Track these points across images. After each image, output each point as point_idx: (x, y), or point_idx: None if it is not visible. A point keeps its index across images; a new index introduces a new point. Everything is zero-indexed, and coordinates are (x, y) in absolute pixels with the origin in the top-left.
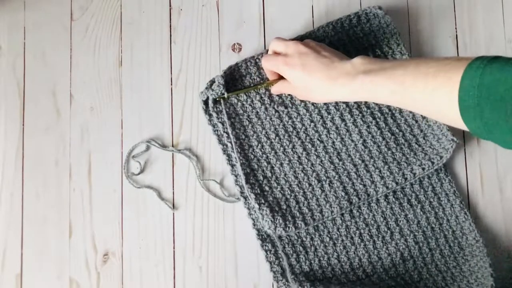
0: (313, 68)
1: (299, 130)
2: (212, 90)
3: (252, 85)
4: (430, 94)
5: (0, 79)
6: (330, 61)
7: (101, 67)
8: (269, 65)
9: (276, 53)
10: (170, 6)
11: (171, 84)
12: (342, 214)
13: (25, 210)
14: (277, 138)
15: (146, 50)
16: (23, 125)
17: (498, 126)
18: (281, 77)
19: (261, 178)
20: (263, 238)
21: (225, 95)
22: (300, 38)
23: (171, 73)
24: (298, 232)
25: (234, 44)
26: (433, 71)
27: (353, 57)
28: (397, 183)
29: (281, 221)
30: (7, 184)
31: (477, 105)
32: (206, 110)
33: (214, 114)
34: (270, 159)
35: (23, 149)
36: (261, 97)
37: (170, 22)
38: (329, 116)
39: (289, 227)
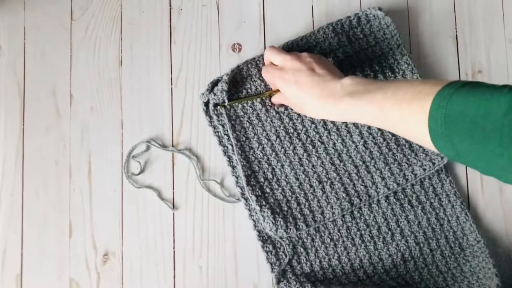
0: (305, 86)
1: (300, 131)
2: (215, 94)
3: (253, 93)
4: (406, 122)
5: (0, 79)
6: (322, 80)
7: (101, 67)
8: (266, 77)
9: (273, 64)
10: (170, 6)
11: (171, 84)
12: (343, 215)
13: (25, 210)
14: (278, 139)
15: (146, 50)
16: (23, 125)
17: (469, 154)
18: None
19: (262, 180)
20: (264, 239)
21: (226, 104)
22: (300, 40)
23: (171, 73)
24: (299, 234)
25: (234, 44)
26: (409, 97)
27: (353, 59)
28: (398, 184)
29: (282, 222)
30: (7, 184)
31: (446, 135)
32: (207, 112)
33: (215, 117)
34: (271, 160)
35: (23, 149)
36: (262, 99)
37: (170, 22)
38: None
39: (290, 228)
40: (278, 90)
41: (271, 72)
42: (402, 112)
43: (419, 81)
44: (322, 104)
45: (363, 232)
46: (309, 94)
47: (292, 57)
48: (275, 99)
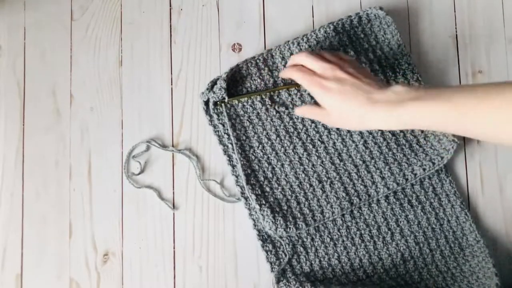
0: (351, 96)
1: (300, 130)
2: (214, 92)
3: (253, 91)
4: (492, 117)
5: (0, 79)
6: (370, 89)
7: (101, 67)
8: (299, 80)
9: (299, 65)
10: (170, 6)
11: (171, 84)
12: (343, 215)
13: (25, 210)
14: (278, 139)
15: (146, 50)
16: (23, 125)
17: None
18: (284, 86)
19: (262, 179)
20: (264, 238)
21: (226, 100)
22: (301, 39)
23: (171, 73)
24: (298, 233)
25: (234, 44)
26: (492, 92)
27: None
28: (398, 184)
29: (282, 222)
30: (7, 184)
31: None
32: (207, 111)
33: (215, 116)
34: (271, 160)
35: (23, 149)
36: (262, 98)
37: (170, 22)
38: None
39: (290, 227)
40: (285, 87)
41: (307, 77)
42: (488, 107)
43: (487, 84)
44: (372, 113)
45: (362, 231)
46: (356, 105)
47: (333, 66)
48: (300, 111)
